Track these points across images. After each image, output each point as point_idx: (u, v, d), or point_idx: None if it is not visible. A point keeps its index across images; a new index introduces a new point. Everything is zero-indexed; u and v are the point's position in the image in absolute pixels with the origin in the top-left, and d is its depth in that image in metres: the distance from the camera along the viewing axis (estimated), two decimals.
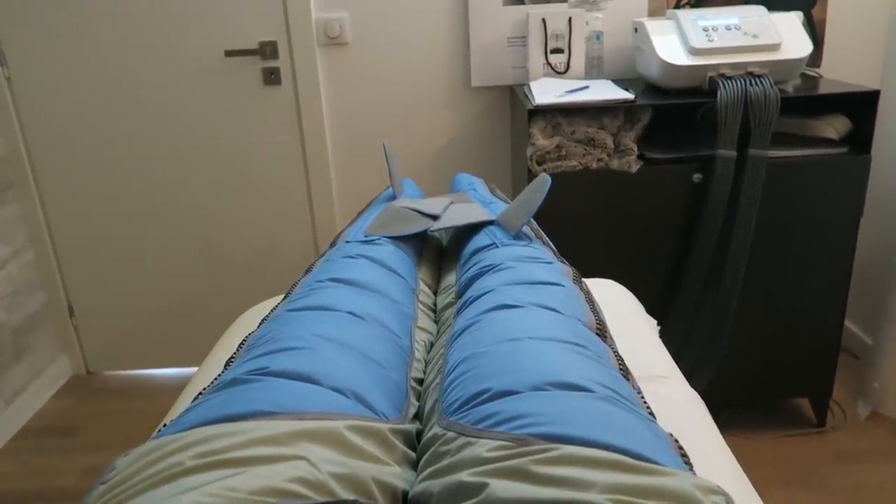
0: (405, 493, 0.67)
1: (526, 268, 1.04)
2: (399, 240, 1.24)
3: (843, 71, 2.20)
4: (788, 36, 1.77)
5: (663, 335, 1.38)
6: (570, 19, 2.00)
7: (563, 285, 1.00)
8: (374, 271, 1.07)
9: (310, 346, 0.79)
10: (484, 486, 0.58)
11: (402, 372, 0.86)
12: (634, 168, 1.78)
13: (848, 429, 2.03)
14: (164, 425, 0.70)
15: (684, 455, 0.67)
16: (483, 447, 0.62)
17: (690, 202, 1.82)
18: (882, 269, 2.15)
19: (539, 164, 1.79)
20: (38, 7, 2.17)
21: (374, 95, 2.25)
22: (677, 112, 1.96)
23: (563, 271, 1.07)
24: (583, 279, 1.13)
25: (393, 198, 1.46)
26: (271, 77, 2.23)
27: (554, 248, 1.25)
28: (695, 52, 1.75)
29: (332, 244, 1.28)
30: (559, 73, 2.05)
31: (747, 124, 1.71)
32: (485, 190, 1.53)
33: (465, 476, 0.60)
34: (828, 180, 1.78)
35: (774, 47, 1.75)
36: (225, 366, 0.87)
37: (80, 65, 2.23)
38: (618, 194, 1.81)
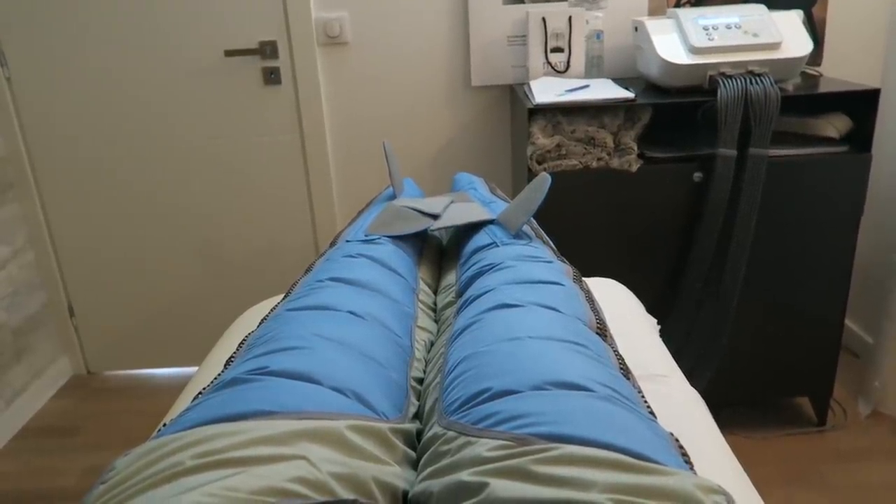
0: (405, 493, 0.67)
1: (526, 267, 1.04)
2: (399, 239, 1.23)
3: (843, 69, 2.20)
4: (789, 34, 1.77)
5: (663, 334, 1.38)
6: (570, 18, 2.00)
7: (563, 284, 1.00)
8: (375, 271, 1.07)
9: (310, 346, 0.79)
10: (484, 485, 0.58)
11: (402, 371, 0.86)
12: (635, 167, 1.78)
13: (848, 428, 2.03)
14: (164, 425, 0.70)
15: (685, 454, 0.67)
16: (483, 447, 0.62)
17: (691, 201, 1.82)
18: (882, 268, 2.15)
19: (539, 163, 1.79)
20: (38, 7, 2.17)
21: (374, 95, 2.25)
22: (677, 111, 1.96)
23: (563, 270, 1.07)
24: (583, 278, 1.13)
25: (393, 197, 1.46)
26: (271, 77, 2.23)
27: (554, 247, 1.25)
28: (695, 50, 1.75)
29: (333, 243, 1.27)
30: (559, 72, 2.05)
31: (748, 123, 1.71)
32: (485, 189, 1.53)
33: (465, 476, 0.60)
34: (828, 179, 1.78)
35: (775, 46, 1.75)
36: (225, 365, 0.87)
37: (80, 65, 2.23)
38: (618, 193, 1.81)
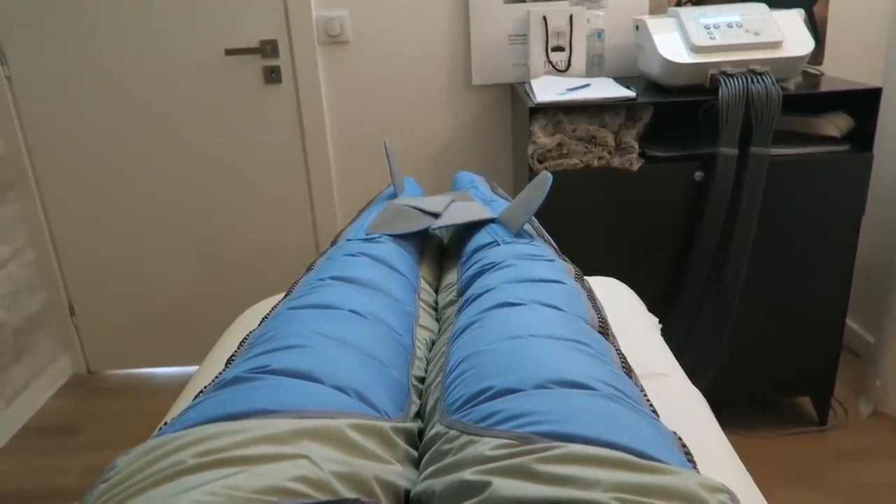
0: (407, 492, 0.67)
1: (527, 266, 1.04)
2: (400, 238, 1.23)
3: (844, 68, 2.20)
4: (790, 33, 1.77)
5: (665, 333, 1.38)
6: (571, 17, 2.00)
7: (564, 283, 0.99)
8: (376, 269, 1.07)
9: (311, 345, 0.79)
10: (487, 484, 0.58)
11: (403, 370, 0.85)
12: (636, 166, 1.78)
13: (849, 427, 2.02)
14: (165, 424, 0.70)
15: (688, 453, 0.67)
16: (486, 445, 0.62)
17: (692, 200, 1.81)
18: (883, 268, 2.15)
19: (540, 162, 1.79)
20: (39, 6, 2.17)
21: (374, 94, 2.25)
22: (679, 110, 1.96)
23: (564, 269, 1.07)
24: (584, 277, 1.13)
25: (394, 196, 1.46)
26: (272, 76, 2.22)
27: (555, 245, 1.25)
28: (696, 49, 1.74)
29: (333, 242, 1.27)
30: (560, 71, 2.05)
31: (749, 122, 1.71)
32: (486, 188, 1.52)
33: (467, 475, 0.60)
34: (829, 178, 1.78)
35: (776, 45, 1.75)
36: (226, 364, 0.87)
37: (81, 64, 2.23)
38: (619, 192, 1.80)
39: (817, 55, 2.15)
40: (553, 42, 2.03)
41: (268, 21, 2.17)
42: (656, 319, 1.42)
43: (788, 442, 1.98)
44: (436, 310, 1.15)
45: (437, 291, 1.22)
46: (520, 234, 1.20)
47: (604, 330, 0.93)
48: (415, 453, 0.74)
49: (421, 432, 0.78)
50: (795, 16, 1.81)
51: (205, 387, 0.78)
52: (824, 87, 1.81)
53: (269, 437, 0.60)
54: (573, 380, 0.70)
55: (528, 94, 1.87)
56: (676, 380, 1.12)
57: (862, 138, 1.79)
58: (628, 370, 0.84)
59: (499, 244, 1.15)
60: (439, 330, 1.06)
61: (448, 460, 0.65)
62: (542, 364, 0.72)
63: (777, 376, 1.97)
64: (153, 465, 0.58)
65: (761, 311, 1.90)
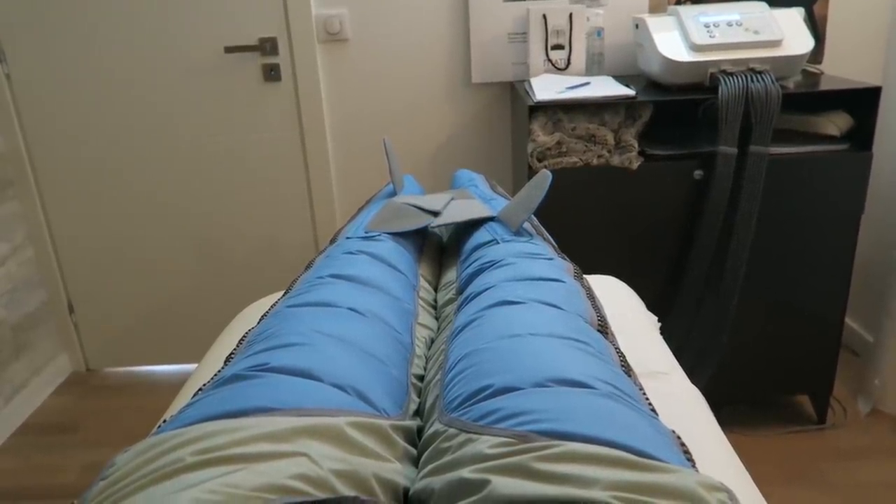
0: (406, 490, 0.67)
1: (527, 264, 1.04)
2: (400, 236, 1.23)
3: (844, 67, 2.20)
4: (790, 32, 1.77)
5: (664, 332, 1.38)
6: (570, 15, 2.00)
7: (564, 282, 0.99)
8: (375, 268, 1.07)
9: (310, 343, 0.79)
10: (486, 482, 0.58)
11: (402, 368, 0.85)
12: (635, 164, 1.78)
13: (848, 426, 2.03)
14: (164, 421, 0.70)
15: (687, 452, 0.67)
16: (485, 444, 0.62)
17: (691, 199, 1.81)
18: (883, 266, 2.15)
19: (539, 160, 1.79)
20: (38, 4, 2.17)
21: (374, 92, 2.25)
22: (678, 108, 1.95)
23: (563, 268, 1.07)
24: (583, 275, 1.13)
25: (393, 194, 1.46)
26: (271, 73, 2.22)
27: (554, 244, 1.25)
28: (696, 48, 1.74)
29: (333, 240, 1.27)
30: (560, 70, 2.05)
31: (748, 121, 1.71)
32: (485, 186, 1.52)
33: (466, 473, 0.60)
34: (829, 177, 1.78)
35: (776, 43, 1.75)
36: (225, 362, 0.87)
37: (80, 62, 2.22)
38: (618, 191, 1.80)
39: (817, 54, 2.15)
40: (553, 40, 2.03)
41: (267, 19, 2.17)
42: (655, 318, 1.42)
43: (787, 441, 1.98)
44: (435, 308, 1.15)
45: (436, 289, 1.22)
46: (519, 232, 1.20)
47: (603, 328, 0.93)
48: (414, 451, 0.74)
49: (420, 430, 0.78)
50: (795, 14, 1.81)
51: (204, 384, 0.78)
52: (824, 85, 1.81)
53: (269, 435, 0.60)
54: (572, 378, 0.70)
55: (527, 93, 1.87)
56: (675, 378, 1.12)
57: (861, 137, 1.79)
58: (627, 369, 0.84)
59: (498, 242, 1.15)
60: (438, 328, 1.06)
61: (447, 458, 0.65)
62: (542, 362, 0.72)
63: (776, 375, 1.97)
64: (152, 463, 0.58)
65: (760, 309, 1.90)
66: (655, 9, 2.12)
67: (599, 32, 2.02)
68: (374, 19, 2.17)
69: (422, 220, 1.28)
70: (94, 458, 2.09)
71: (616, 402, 0.67)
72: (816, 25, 2.13)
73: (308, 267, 1.14)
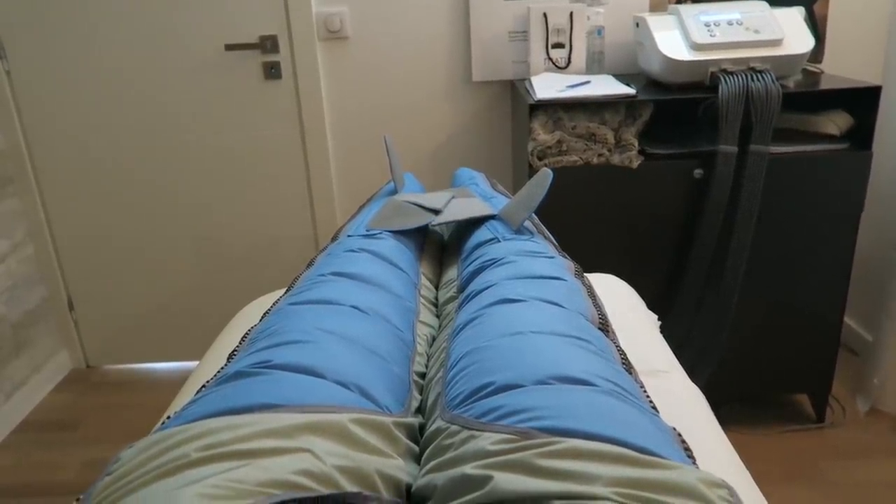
0: (408, 487, 0.67)
1: (528, 262, 1.04)
2: (401, 234, 1.23)
3: (844, 66, 2.20)
4: (790, 31, 1.77)
5: (664, 330, 1.38)
6: (571, 14, 2.00)
7: (565, 280, 1.00)
8: (376, 265, 1.07)
9: (313, 340, 0.79)
10: (488, 478, 0.58)
11: (404, 366, 0.86)
12: (635, 163, 1.78)
13: (847, 425, 2.03)
14: (168, 417, 0.70)
15: (687, 449, 0.67)
16: (487, 440, 0.62)
17: (691, 198, 1.82)
18: (882, 266, 2.16)
19: (540, 158, 1.79)
20: (38, 1, 2.17)
21: (374, 90, 2.25)
22: (678, 107, 1.96)
23: (564, 266, 1.07)
24: (584, 274, 1.13)
25: (394, 192, 1.46)
26: (272, 71, 2.22)
27: (555, 242, 1.26)
28: (696, 47, 1.74)
29: (334, 238, 1.27)
30: (560, 68, 2.05)
31: (748, 120, 1.71)
32: (486, 184, 1.53)
33: (468, 469, 0.60)
34: (829, 176, 1.78)
35: (776, 43, 1.75)
36: (228, 359, 0.87)
37: (81, 59, 2.22)
38: (619, 190, 1.81)
39: (817, 53, 2.15)
40: (553, 39, 2.03)
41: (268, 17, 2.17)
42: (655, 316, 1.43)
43: (786, 439, 1.98)
44: (436, 306, 1.15)
45: (437, 288, 1.22)
46: (520, 230, 1.20)
47: (604, 327, 0.93)
48: (416, 448, 0.74)
49: (422, 427, 0.78)
50: (796, 14, 1.81)
51: (207, 381, 0.78)
52: (824, 85, 1.82)
53: (272, 431, 0.61)
54: (574, 376, 0.70)
55: (528, 91, 1.87)
56: (676, 377, 1.12)
57: (861, 136, 1.79)
58: (628, 366, 0.85)
59: (499, 241, 1.15)
60: (440, 326, 1.06)
61: (449, 455, 0.65)
62: (543, 360, 0.73)
63: (775, 374, 1.98)
64: (157, 459, 0.58)
65: (760, 308, 1.90)
66: (656, 7, 2.13)
67: (600, 31, 2.03)
68: (374, 17, 2.17)
69: (423, 219, 1.28)
70: (94, 456, 2.09)
71: (617, 400, 0.67)
72: (817, 25, 2.14)
73: (309, 265, 1.14)
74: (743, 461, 0.94)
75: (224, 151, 2.32)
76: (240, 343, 0.91)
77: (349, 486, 0.59)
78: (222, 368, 0.81)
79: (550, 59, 2.05)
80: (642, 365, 1.06)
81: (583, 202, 1.82)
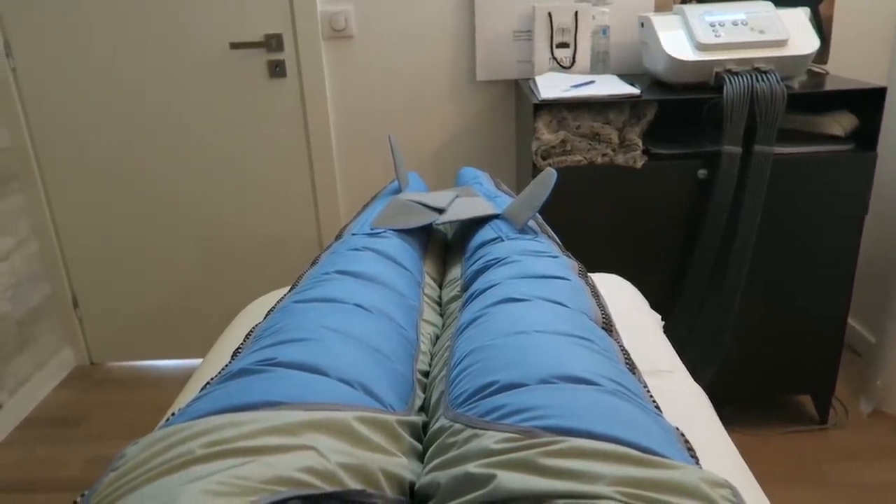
0: (412, 485, 0.67)
1: (531, 262, 1.04)
2: (405, 233, 1.24)
3: (849, 67, 2.20)
4: (795, 32, 1.77)
5: (667, 330, 1.38)
6: (576, 13, 2.00)
7: (568, 279, 1.00)
8: (380, 264, 1.08)
9: (317, 338, 0.79)
10: (491, 477, 0.58)
11: (407, 364, 0.86)
12: (639, 163, 1.78)
13: (850, 426, 2.03)
14: (173, 414, 0.71)
15: (691, 449, 0.67)
16: (490, 439, 0.63)
17: (695, 198, 1.82)
18: (886, 267, 2.15)
19: (544, 158, 1.79)
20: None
21: (379, 88, 2.25)
22: (683, 107, 1.96)
23: (568, 265, 1.07)
24: (588, 273, 1.14)
25: (398, 191, 1.46)
26: (276, 70, 2.23)
27: (559, 242, 1.26)
28: (701, 47, 1.74)
29: (338, 237, 1.28)
30: (565, 68, 2.05)
31: (753, 120, 1.71)
32: (490, 184, 1.53)
33: (472, 468, 0.60)
34: (833, 177, 1.78)
35: (781, 43, 1.75)
36: (232, 356, 0.87)
37: (86, 57, 2.23)
38: (622, 189, 1.81)
39: (822, 54, 2.15)
40: (558, 38, 2.03)
41: (273, 15, 2.17)
42: (659, 316, 1.43)
43: (789, 440, 1.98)
44: (440, 305, 1.15)
45: (440, 287, 1.22)
46: (524, 230, 1.20)
47: (607, 326, 0.93)
48: (419, 446, 0.74)
49: (425, 426, 0.78)
50: (801, 14, 1.81)
51: (211, 378, 0.78)
52: (829, 85, 1.81)
53: (276, 429, 0.61)
54: (577, 375, 0.70)
55: (532, 91, 1.87)
56: (679, 377, 1.13)
57: (866, 137, 1.79)
58: (632, 366, 0.85)
59: (503, 240, 1.15)
60: (443, 325, 1.06)
61: (453, 453, 0.65)
62: (547, 359, 0.73)
63: (778, 374, 1.97)
64: (162, 455, 0.59)
65: (763, 309, 1.90)
66: (661, 8, 2.12)
67: (605, 31, 2.02)
68: (379, 16, 2.17)
69: (427, 218, 1.28)
70: (98, 452, 2.10)
71: (621, 399, 0.68)
72: (822, 25, 2.13)
73: (313, 263, 1.15)
74: (746, 462, 0.94)
75: (228, 149, 2.33)
76: (244, 341, 0.91)
77: (353, 484, 0.60)
78: (226, 366, 0.81)
79: (555, 58, 2.05)
80: (645, 365, 1.06)
81: (587, 202, 1.82)
